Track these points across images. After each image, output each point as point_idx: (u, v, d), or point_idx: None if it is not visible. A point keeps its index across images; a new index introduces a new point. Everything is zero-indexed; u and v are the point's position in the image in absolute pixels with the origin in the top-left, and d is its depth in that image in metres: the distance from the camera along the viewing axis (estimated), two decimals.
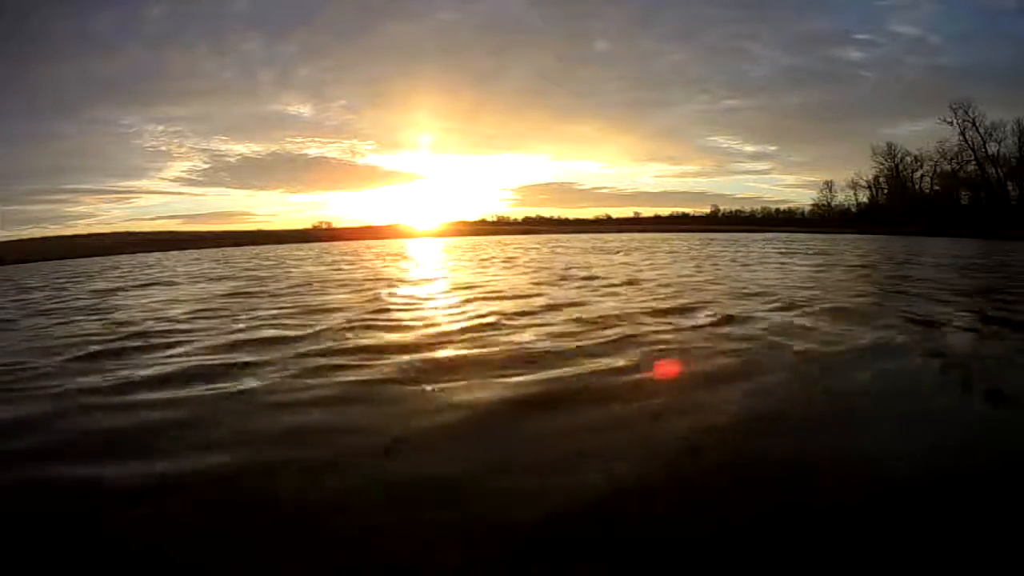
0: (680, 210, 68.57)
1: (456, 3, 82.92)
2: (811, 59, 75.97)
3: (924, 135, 76.97)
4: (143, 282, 10.30)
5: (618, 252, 15.38)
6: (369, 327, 4.28)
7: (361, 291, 7.04)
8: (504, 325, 4.19)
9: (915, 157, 42.60)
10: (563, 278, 7.89)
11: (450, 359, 3.22)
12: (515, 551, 1.37)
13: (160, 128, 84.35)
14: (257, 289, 7.77)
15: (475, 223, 68.83)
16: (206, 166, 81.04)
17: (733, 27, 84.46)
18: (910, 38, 69.07)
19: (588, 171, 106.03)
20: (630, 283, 6.93)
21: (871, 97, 68.83)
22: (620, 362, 3.00)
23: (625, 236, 36.04)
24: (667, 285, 6.65)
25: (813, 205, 53.85)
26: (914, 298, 5.21)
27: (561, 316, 4.51)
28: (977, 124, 36.70)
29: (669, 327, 3.98)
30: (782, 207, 61.34)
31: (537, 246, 22.81)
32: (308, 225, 68.74)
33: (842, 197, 50.37)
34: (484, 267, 11.17)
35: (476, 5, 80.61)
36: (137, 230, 57.99)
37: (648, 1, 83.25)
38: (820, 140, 73.07)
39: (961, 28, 67.36)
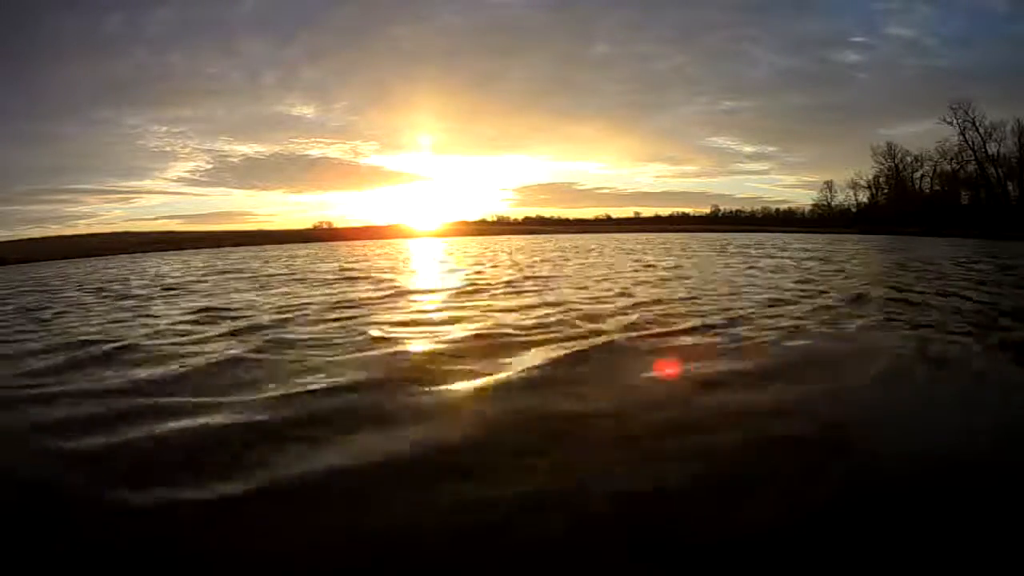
0: (680, 210, 68.79)
1: (458, 7, 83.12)
2: (808, 61, 76.24)
3: (921, 136, 77.28)
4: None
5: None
6: None
7: None
8: None
9: (915, 157, 42.71)
10: None
11: None
12: None
13: (164, 129, 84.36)
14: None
15: (476, 223, 68.87)
16: (209, 166, 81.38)
17: (731, 30, 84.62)
18: (905, 40, 69.24)
19: (588, 171, 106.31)
20: None
21: (868, 98, 69.10)
22: None
23: (627, 236, 36.00)
24: None
25: (813, 205, 54.02)
26: None
27: None
28: (977, 124, 36.74)
29: None
30: (782, 207, 61.56)
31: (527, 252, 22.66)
32: (309, 225, 68.86)
33: (842, 197, 50.51)
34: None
35: (478, 8, 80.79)
36: (138, 230, 58.02)
37: (647, 4, 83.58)
38: (818, 141, 73.19)
39: (956, 30, 67.65)
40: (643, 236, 35.34)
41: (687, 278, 7.91)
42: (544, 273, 9.29)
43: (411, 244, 33.42)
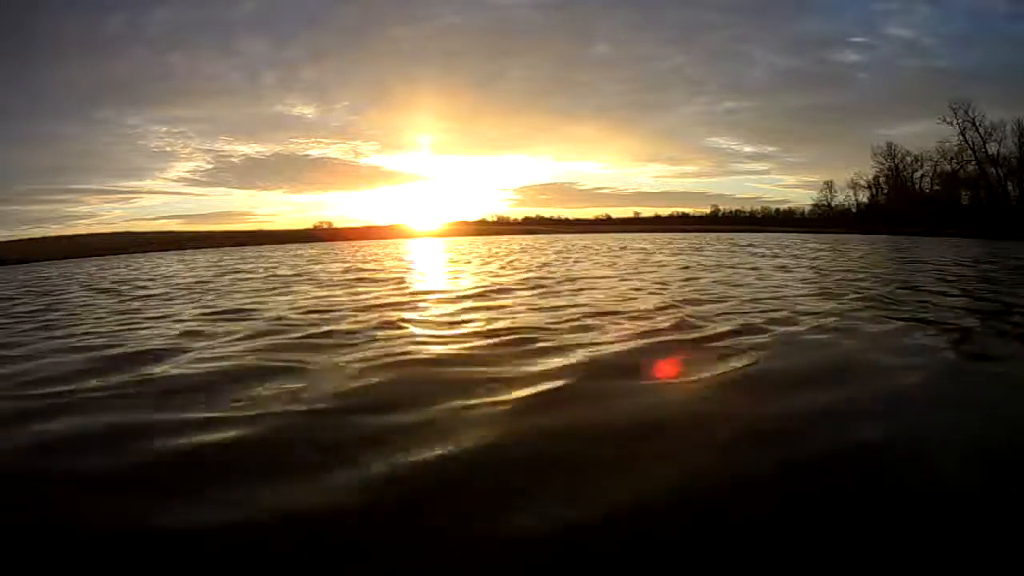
0: (680, 210, 69.03)
1: (459, 7, 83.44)
2: (808, 61, 76.77)
3: (920, 136, 77.92)
4: None
5: None
6: None
7: None
8: None
9: (915, 157, 42.93)
10: None
11: None
12: None
13: (165, 129, 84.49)
14: None
15: (475, 223, 68.92)
16: (210, 166, 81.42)
17: (731, 31, 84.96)
18: (905, 41, 69.88)
19: (588, 171, 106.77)
20: None
21: (868, 98, 69.66)
22: None
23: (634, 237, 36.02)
24: None
25: (813, 205, 54.27)
26: None
27: None
28: (977, 124, 36.90)
29: None
30: (782, 207, 61.87)
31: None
32: (309, 225, 68.72)
33: (842, 197, 50.75)
34: None
35: (478, 9, 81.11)
36: (138, 230, 57.68)
37: (647, 5, 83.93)
38: (818, 141, 73.64)
39: (955, 31, 68.22)
40: (650, 236, 35.41)
41: (762, 277, 7.72)
42: (601, 273, 8.95)
43: (419, 244, 33.27)
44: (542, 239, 34.46)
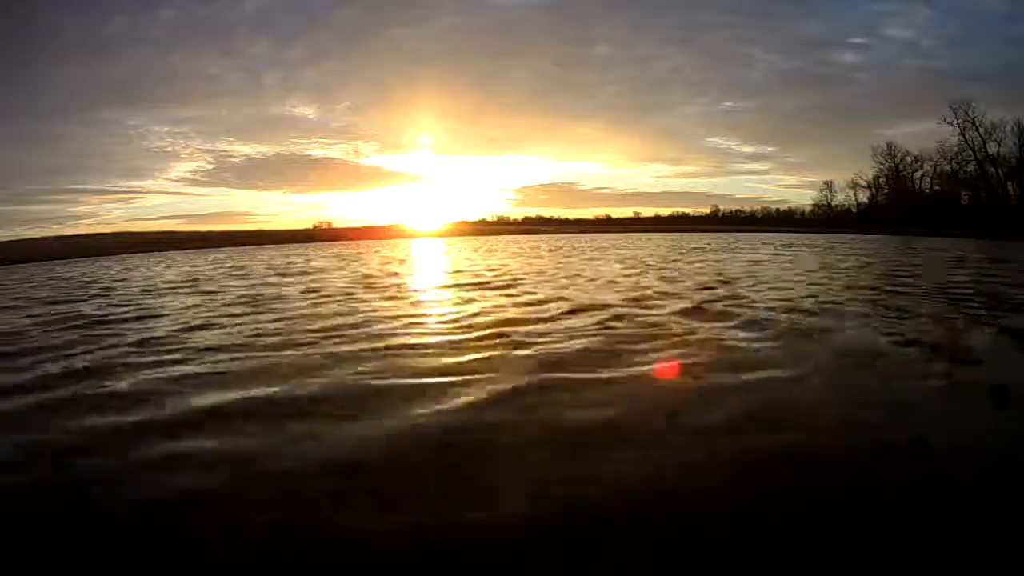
0: (680, 210, 69.00)
1: (459, 8, 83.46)
2: (807, 62, 76.47)
3: (919, 136, 77.96)
4: None
5: None
6: None
7: None
8: None
9: (915, 157, 42.86)
10: None
11: None
12: None
13: (166, 129, 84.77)
14: None
15: (475, 223, 68.97)
16: (211, 167, 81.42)
17: (731, 31, 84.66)
18: (905, 41, 69.71)
19: (589, 172, 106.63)
20: None
21: (867, 99, 69.46)
22: None
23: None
24: None
25: (813, 205, 54.23)
26: None
27: None
28: (977, 124, 36.83)
29: None
30: (782, 207, 61.80)
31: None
32: (309, 225, 68.82)
33: (842, 197, 50.70)
34: None
35: (479, 10, 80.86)
36: (138, 230, 57.89)
37: (647, 6, 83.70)
38: (818, 141, 73.48)
39: (953, 32, 67.91)
40: (665, 236, 35.33)
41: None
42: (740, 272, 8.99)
43: (437, 244, 33.07)
44: (556, 238, 34.39)
